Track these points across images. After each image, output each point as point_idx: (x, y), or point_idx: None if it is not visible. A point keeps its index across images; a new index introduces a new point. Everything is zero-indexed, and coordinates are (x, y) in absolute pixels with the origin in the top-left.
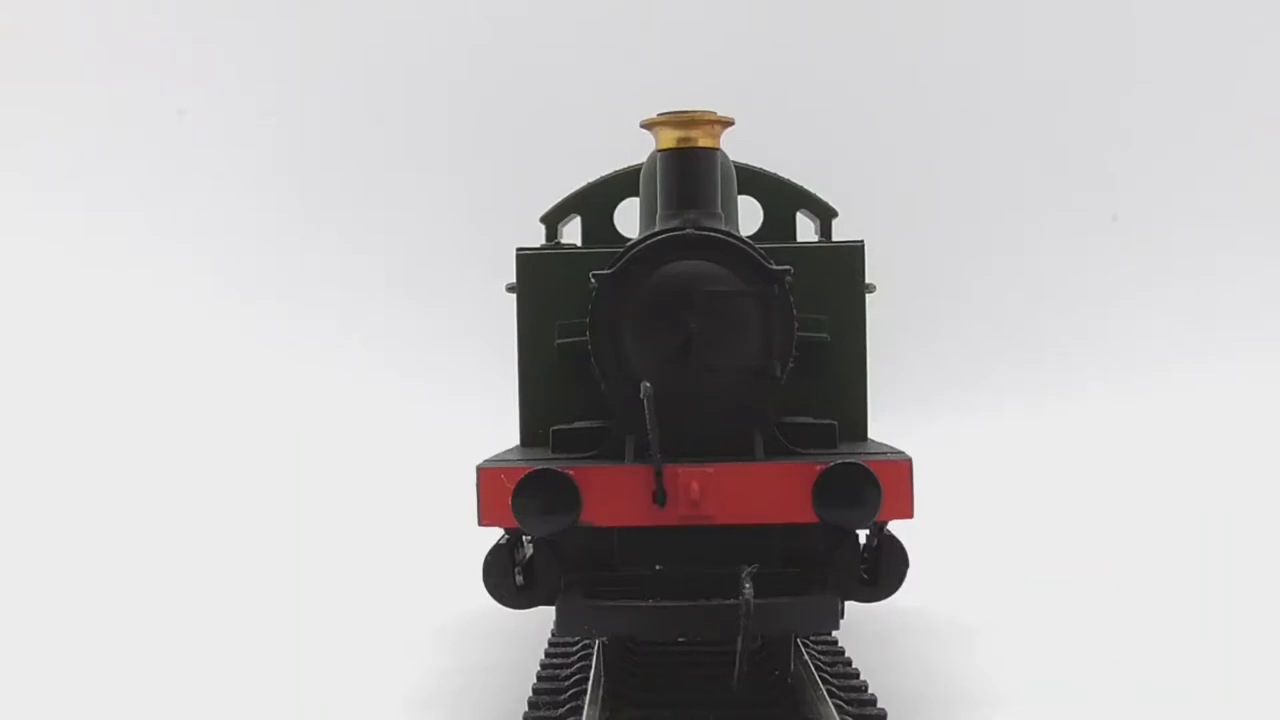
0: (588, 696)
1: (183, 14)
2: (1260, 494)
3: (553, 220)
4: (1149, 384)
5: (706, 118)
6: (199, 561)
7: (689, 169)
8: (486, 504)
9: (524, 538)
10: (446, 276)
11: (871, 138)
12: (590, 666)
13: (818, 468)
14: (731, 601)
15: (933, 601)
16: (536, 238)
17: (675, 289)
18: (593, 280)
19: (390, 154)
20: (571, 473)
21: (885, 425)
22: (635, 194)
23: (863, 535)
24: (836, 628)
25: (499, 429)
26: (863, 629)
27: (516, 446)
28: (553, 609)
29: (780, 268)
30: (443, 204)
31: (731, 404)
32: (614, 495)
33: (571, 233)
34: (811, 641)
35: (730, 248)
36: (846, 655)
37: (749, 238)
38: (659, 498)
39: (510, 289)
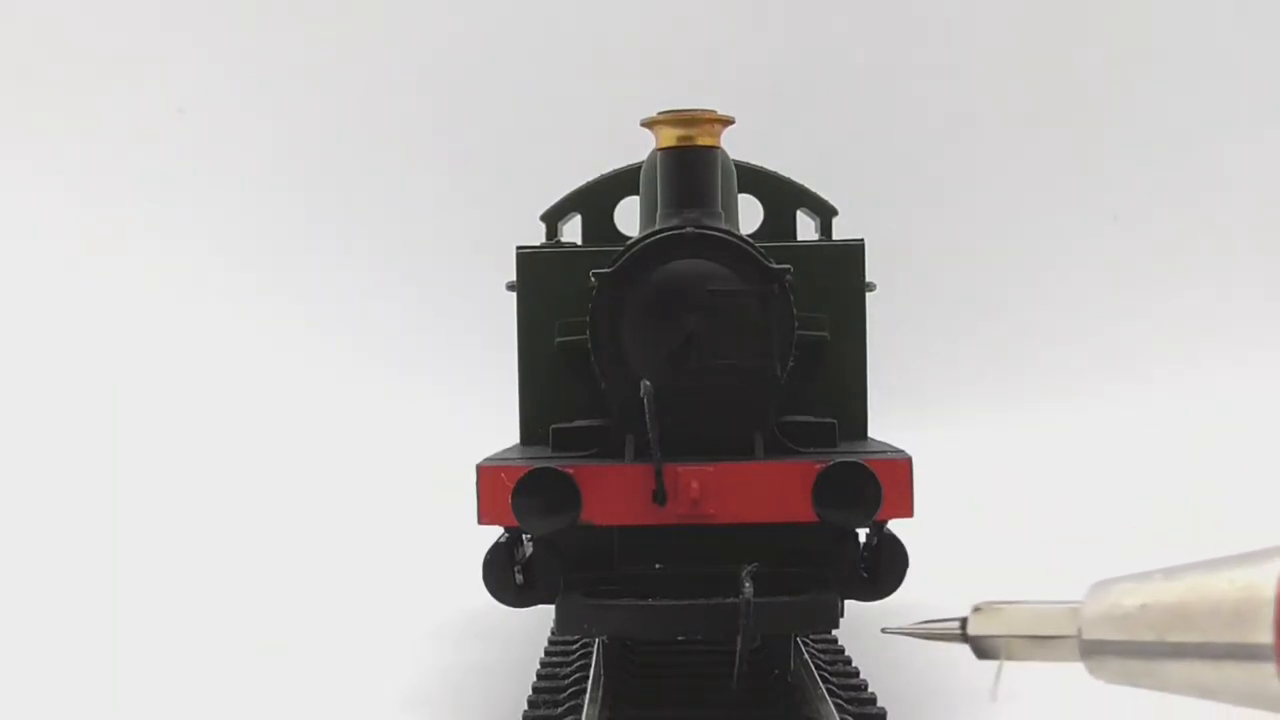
0: (587, 695)
1: (183, 14)
2: (1261, 493)
3: (553, 218)
4: (1150, 381)
5: (707, 116)
6: (200, 560)
7: (689, 168)
8: (486, 503)
9: (524, 536)
10: (446, 275)
11: (872, 137)
12: (590, 665)
13: (818, 467)
14: (731, 600)
15: (933, 601)
16: (537, 236)
17: (676, 288)
18: (593, 279)
19: (390, 152)
20: (571, 471)
21: (885, 424)
22: (635, 192)
23: (863, 534)
24: (836, 626)
25: (499, 428)
26: (863, 629)
27: (516, 445)
28: (552, 608)
29: (780, 266)
30: (443, 202)
31: (731, 403)
32: (614, 494)
33: (572, 231)
34: (811, 640)
35: (731, 247)
36: (846, 654)
37: (749, 236)
38: (659, 497)
39: (510, 287)
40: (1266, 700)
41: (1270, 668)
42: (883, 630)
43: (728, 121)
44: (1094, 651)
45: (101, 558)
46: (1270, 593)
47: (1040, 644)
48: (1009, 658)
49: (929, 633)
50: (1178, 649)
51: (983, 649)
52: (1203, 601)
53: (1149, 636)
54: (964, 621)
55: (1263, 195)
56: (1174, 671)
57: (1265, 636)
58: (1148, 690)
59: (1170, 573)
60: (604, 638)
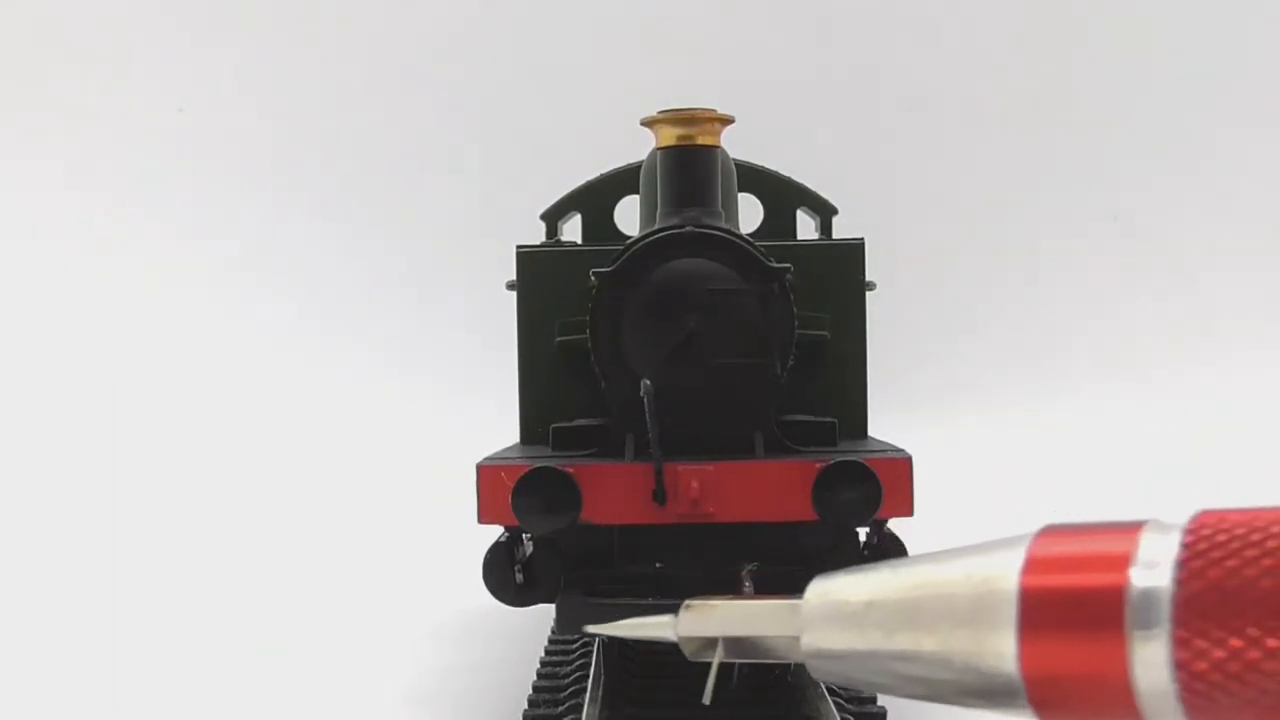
0: (587, 695)
1: (183, 14)
2: (1261, 494)
3: (553, 217)
4: (1150, 381)
5: (707, 115)
6: (200, 560)
7: (689, 167)
8: (486, 502)
9: (524, 536)
10: (447, 274)
11: (872, 135)
12: (590, 665)
13: (818, 466)
14: None
15: None
16: (537, 235)
17: (676, 287)
18: (593, 278)
19: (390, 152)
20: (571, 471)
21: (885, 423)
22: (635, 191)
23: (863, 533)
24: None
25: (499, 428)
26: None
27: (516, 444)
28: (552, 607)
29: (780, 266)
30: (443, 201)
31: (732, 402)
32: (614, 493)
33: (572, 230)
34: None
35: (730, 246)
36: None
37: (749, 235)
38: (659, 496)
39: (510, 286)
40: (1007, 703)
41: (1012, 672)
42: (585, 630)
43: (728, 121)
44: (816, 652)
45: (101, 558)
46: (1011, 585)
47: (757, 644)
48: (723, 658)
49: (638, 632)
50: (908, 650)
51: (694, 649)
52: (934, 599)
53: (877, 638)
54: (675, 618)
55: (1263, 195)
56: (905, 675)
57: (1007, 636)
58: (878, 694)
59: (899, 564)
60: (604, 637)
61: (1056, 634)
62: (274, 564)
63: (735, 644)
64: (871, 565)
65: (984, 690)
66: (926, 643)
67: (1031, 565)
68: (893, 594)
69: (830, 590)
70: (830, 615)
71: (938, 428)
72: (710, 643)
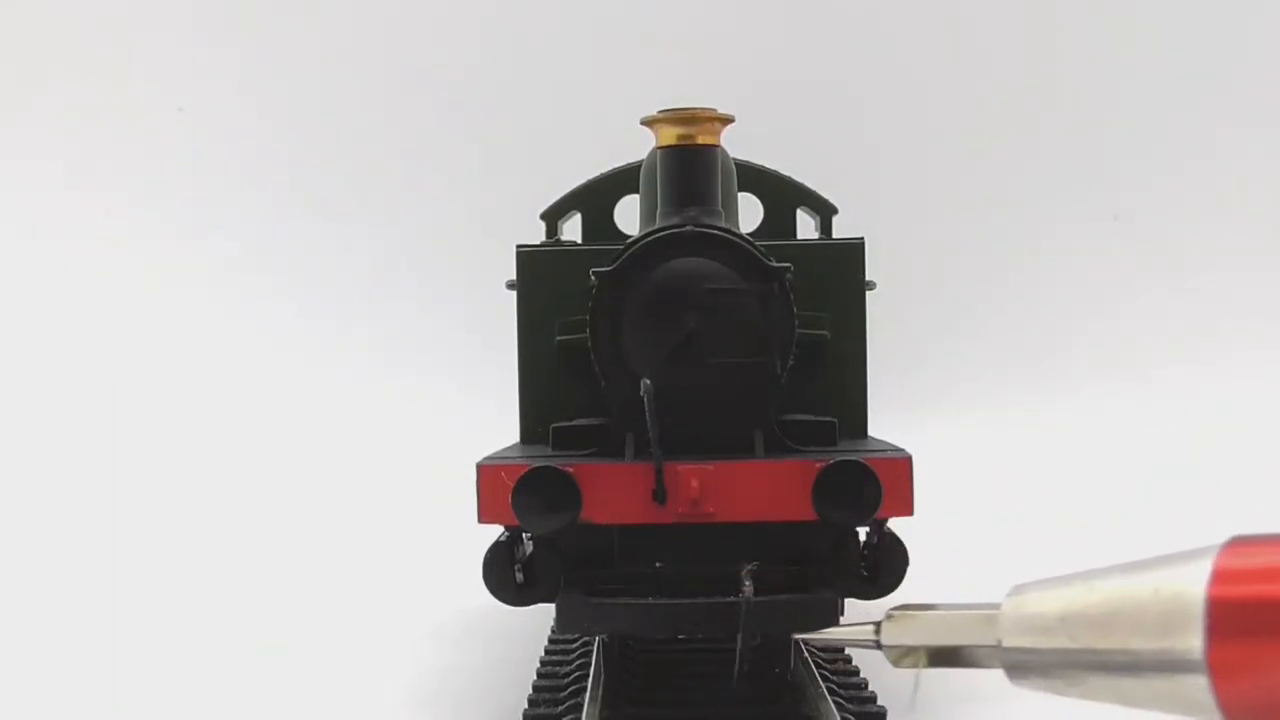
0: (587, 694)
1: (183, 14)
2: (1261, 494)
3: (553, 217)
4: (1150, 381)
5: (707, 115)
6: (200, 560)
7: (689, 166)
8: (486, 501)
9: (524, 535)
10: (446, 273)
11: (872, 135)
12: (590, 664)
13: (818, 465)
14: (731, 599)
15: (933, 599)
16: (537, 234)
17: (675, 287)
18: (593, 278)
19: (390, 151)
20: (572, 470)
21: (885, 422)
22: (636, 191)
23: (863, 533)
24: (836, 625)
25: (499, 427)
26: None
27: (516, 444)
28: (552, 607)
29: (780, 265)
30: (443, 200)
31: (731, 402)
32: (614, 493)
33: (572, 229)
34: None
35: (730, 245)
36: (846, 654)
37: (749, 235)
38: (659, 495)
39: (510, 286)
40: (1198, 711)
41: (1201, 680)
42: (794, 636)
43: (728, 120)
44: (1015, 661)
45: (101, 558)
46: (1199, 597)
47: (958, 652)
48: (926, 665)
49: (844, 640)
50: (1102, 659)
51: (898, 658)
52: (1125, 610)
53: (1071, 646)
54: (879, 626)
55: (1263, 195)
56: (1100, 682)
57: (1195, 645)
58: (1074, 700)
59: (1090, 576)
60: (604, 636)
61: (1243, 642)
62: (274, 564)
63: (937, 652)
64: (1063, 577)
65: (1175, 697)
66: (1119, 654)
67: (1219, 577)
68: (1086, 607)
69: (1026, 603)
70: (1026, 626)
71: (938, 427)
72: (913, 650)
